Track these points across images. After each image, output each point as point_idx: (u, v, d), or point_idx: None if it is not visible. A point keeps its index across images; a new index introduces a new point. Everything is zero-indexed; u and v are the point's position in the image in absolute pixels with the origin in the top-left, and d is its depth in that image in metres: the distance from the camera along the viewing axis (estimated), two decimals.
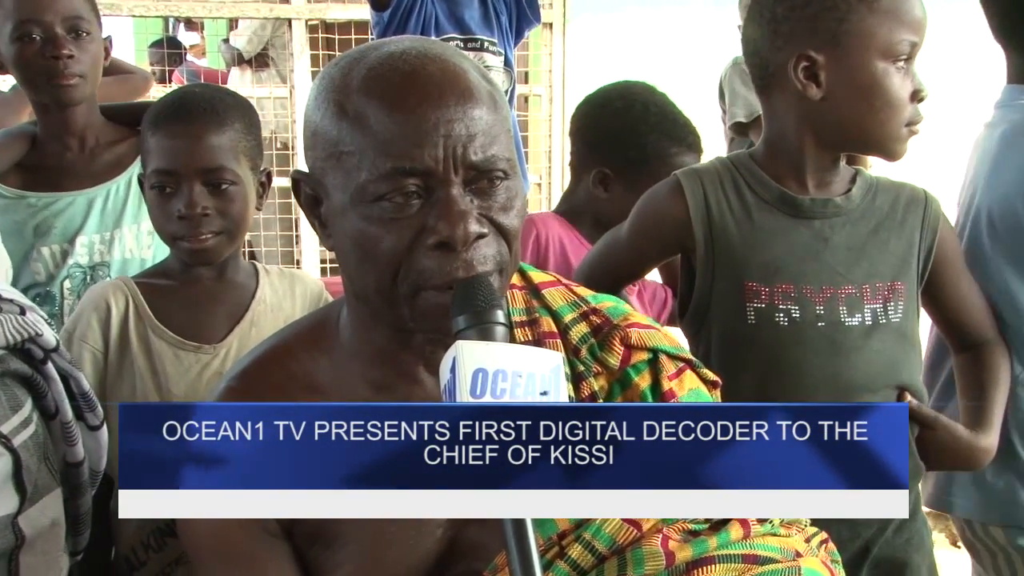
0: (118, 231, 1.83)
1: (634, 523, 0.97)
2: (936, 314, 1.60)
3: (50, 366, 1.20)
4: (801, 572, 0.97)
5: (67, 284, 1.81)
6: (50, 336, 1.20)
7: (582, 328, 1.09)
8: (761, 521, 1.01)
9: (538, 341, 1.06)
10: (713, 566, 0.96)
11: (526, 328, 1.08)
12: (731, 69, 3.26)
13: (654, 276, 2.14)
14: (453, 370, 0.81)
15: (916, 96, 1.41)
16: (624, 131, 1.71)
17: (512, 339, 0.89)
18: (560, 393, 0.83)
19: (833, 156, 1.48)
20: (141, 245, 1.85)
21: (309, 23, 3.88)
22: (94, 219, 1.82)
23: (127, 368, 1.50)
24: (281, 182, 2.88)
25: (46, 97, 1.79)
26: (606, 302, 1.13)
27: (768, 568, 0.96)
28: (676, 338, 1.13)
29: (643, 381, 1.07)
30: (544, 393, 0.81)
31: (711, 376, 1.13)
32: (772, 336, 1.45)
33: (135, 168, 1.83)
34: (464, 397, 0.79)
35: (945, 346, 1.68)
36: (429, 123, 0.93)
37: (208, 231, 1.48)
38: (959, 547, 3.44)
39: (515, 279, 1.12)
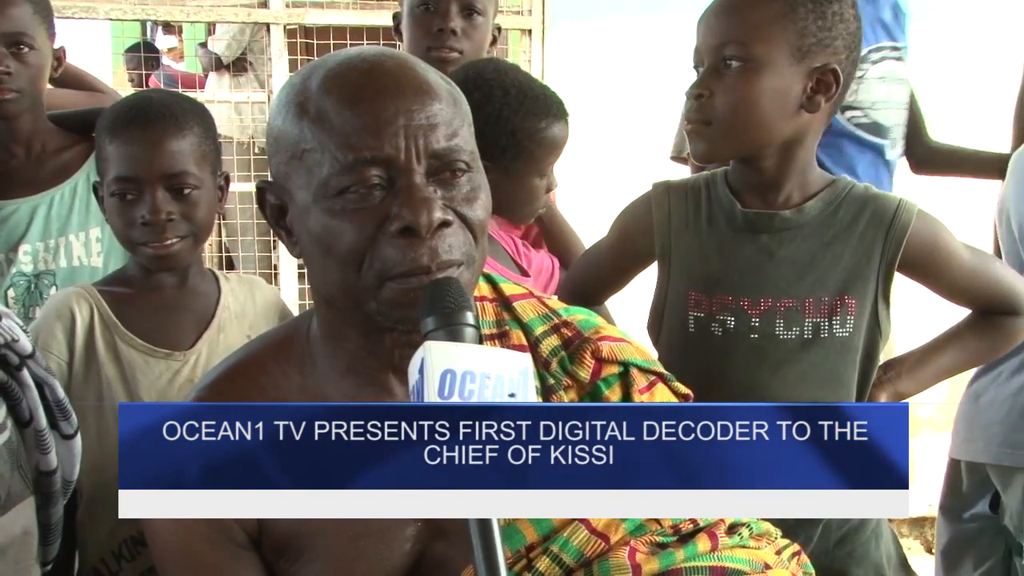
0: (63, 239, 1.81)
1: (602, 535, 0.97)
2: (946, 298, 1.61)
3: (25, 373, 1.19)
4: None
5: (11, 293, 1.78)
6: (26, 342, 1.20)
7: (553, 341, 1.09)
8: (730, 533, 1.01)
9: None
10: None
11: (496, 341, 1.08)
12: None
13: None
14: (421, 371, 0.81)
15: (688, 95, 1.44)
16: (490, 121, 1.64)
17: (481, 343, 0.89)
18: (528, 395, 0.82)
19: (748, 167, 1.48)
20: (90, 252, 1.82)
21: (288, 28, 3.86)
22: (38, 227, 1.79)
23: (93, 376, 1.49)
24: None
25: None
26: (577, 315, 1.13)
27: None
28: (648, 351, 1.13)
29: (613, 395, 1.07)
30: (512, 395, 0.81)
31: (683, 389, 1.13)
32: (706, 345, 1.48)
33: (81, 175, 1.82)
34: (432, 398, 0.79)
35: None
36: (389, 112, 0.93)
37: (174, 236, 1.48)
38: (934, 553, 3.47)
39: (486, 291, 1.12)
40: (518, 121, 1.66)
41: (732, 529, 1.02)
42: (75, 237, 1.82)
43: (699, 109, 1.42)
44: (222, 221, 3.87)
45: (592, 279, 1.65)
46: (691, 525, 1.01)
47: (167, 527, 1.01)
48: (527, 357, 0.85)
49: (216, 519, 0.98)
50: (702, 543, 0.99)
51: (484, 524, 0.79)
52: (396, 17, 2.03)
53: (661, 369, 1.12)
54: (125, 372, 1.49)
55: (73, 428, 1.26)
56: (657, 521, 0.99)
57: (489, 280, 1.13)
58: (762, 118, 1.41)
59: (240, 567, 1.02)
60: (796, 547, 1.07)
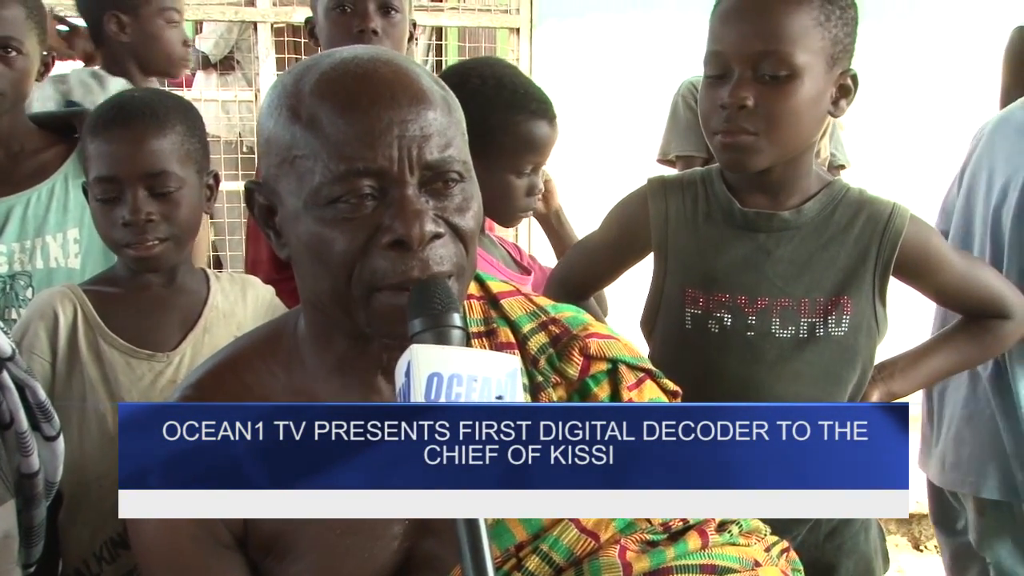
0: (40, 239, 1.78)
1: (592, 534, 0.97)
2: (938, 302, 1.63)
3: (5, 375, 1.18)
4: None
5: None
6: (5, 345, 1.18)
7: (541, 338, 1.08)
8: (720, 531, 1.01)
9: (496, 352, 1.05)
10: None
11: (484, 339, 1.07)
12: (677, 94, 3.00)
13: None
14: (408, 374, 0.80)
15: (726, 105, 1.41)
16: (467, 112, 1.65)
17: (469, 345, 0.88)
18: (516, 398, 0.82)
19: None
20: (67, 254, 1.80)
21: (275, 26, 3.84)
22: (13, 227, 1.77)
23: (76, 377, 1.47)
24: None
25: None
26: (565, 312, 1.12)
27: None
28: (636, 347, 1.12)
29: (602, 391, 1.06)
30: (500, 397, 0.80)
31: (671, 386, 1.12)
32: (702, 342, 1.48)
33: (59, 175, 1.80)
34: (418, 401, 0.78)
35: None
36: (383, 123, 0.91)
37: (154, 237, 1.46)
38: (922, 551, 3.49)
39: (474, 289, 1.11)
40: (489, 110, 1.65)
41: (722, 526, 1.02)
42: (52, 238, 1.79)
43: (741, 119, 1.39)
44: (210, 220, 3.85)
45: (583, 272, 1.65)
46: (681, 523, 1.01)
47: (152, 526, 1.00)
48: (515, 359, 0.84)
49: (203, 518, 0.97)
50: (692, 541, 0.99)
51: (471, 523, 0.78)
52: (309, 22, 1.99)
53: (650, 366, 1.11)
54: (107, 373, 1.47)
55: (55, 430, 1.24)
56: (647, 519, 0.99)
57: (476, 278, 1.12)
58: (806, 126, 1.42)
59: (226, 567, 1.01)
60: (785, 544, 1.07)
